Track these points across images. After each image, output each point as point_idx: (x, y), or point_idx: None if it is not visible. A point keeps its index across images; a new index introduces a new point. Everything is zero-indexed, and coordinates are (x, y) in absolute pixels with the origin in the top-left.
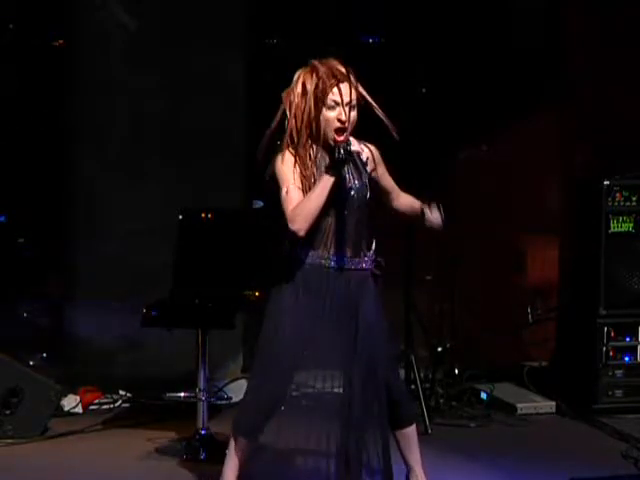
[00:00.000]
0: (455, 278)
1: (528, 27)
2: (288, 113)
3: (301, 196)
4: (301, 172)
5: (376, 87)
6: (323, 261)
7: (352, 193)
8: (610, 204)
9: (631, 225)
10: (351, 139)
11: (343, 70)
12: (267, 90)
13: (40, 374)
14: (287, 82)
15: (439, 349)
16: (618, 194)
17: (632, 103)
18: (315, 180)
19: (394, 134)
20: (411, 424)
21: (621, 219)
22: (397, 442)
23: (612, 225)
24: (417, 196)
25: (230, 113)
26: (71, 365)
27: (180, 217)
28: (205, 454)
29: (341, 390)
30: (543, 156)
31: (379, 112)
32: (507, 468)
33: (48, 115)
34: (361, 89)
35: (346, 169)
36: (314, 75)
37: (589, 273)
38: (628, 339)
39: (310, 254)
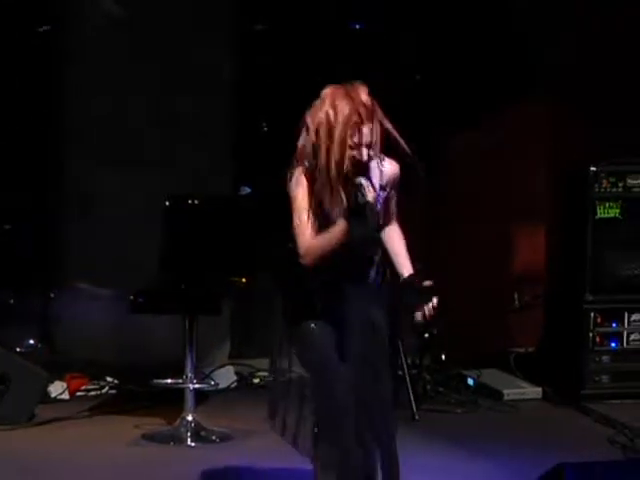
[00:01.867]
0: (442, 265)
1: (519, 12)
2: (315, 136)
3: (312, 226)
4: (309, 194)
5: (369, 74)
6: (338, 278)
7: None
8: (597, 190)
9: (617, 211)
10: (363, 182)
11: (368, 105)
12: (255, 76)
13: (27, 361)
14: (275, 68)
15: (426, 335)
16: (605, 180)
17: (621, 89)
18: (330, 211)
19: (420, 171)
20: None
21: (607, 205)
22: None
23: (599, 211)
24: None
25: (218, 99)
26: (58, 352)
27: (166, 203)
28: (192, 440)
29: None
30: (531, 142)
31: (405, 147)
32: (494, 454)
33: (34, 104)
34: (387, 124)
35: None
36: (340, 111)
37: (576, 259)
38: (614, 325)
39: (324, 272)
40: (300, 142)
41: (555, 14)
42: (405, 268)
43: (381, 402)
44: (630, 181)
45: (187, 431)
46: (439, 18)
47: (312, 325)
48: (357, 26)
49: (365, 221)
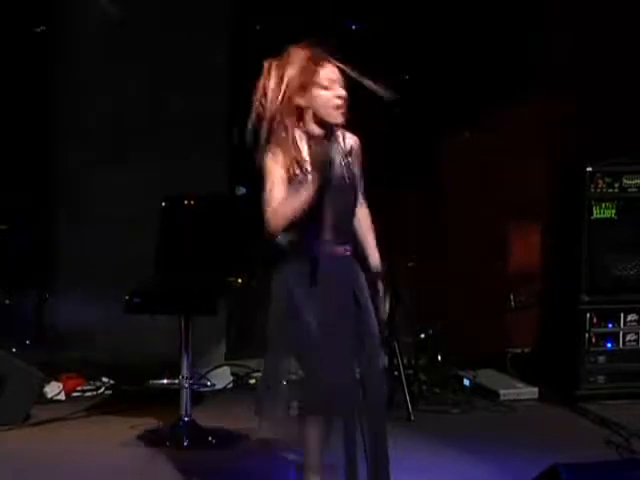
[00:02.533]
0: (437, 265)
1: (512, 10)
2: (264, 104)
3: (284, 193)
4: (284, 163)
5: (365, 73)
6: (323, 248)
7: (341, 181)
8: (593, 190)
9: (613, 211)
10: (337, 136)
11: (323, 52)
12: (251, 75)
13: (23, 361)
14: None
15: (422, 336)
16: (601, 180)
17: (617, 88)
18: (299, 167)
19: (387, 93)
20: None
21: (604, 205)
22: None
23: (594, 211)
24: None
25: (214, 98)
26: (54, 352)
27: (163, 204)
28: (188, 441)
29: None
30: (527, 142)
31: (365, 81)
32: (490, 454)
33: (30, 102)
34: (345, 67)
35: (340, 160)
36: (295, 61)
37: (571, 259)
38: (610, 325)
39: (310, 243)
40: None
41: (552, 13)
42: (371, 258)
43: (375, 387)
44: (626, 181)
45: (183, 432)
46: (429, 17)
47: (301, 306)
48: (353, 26)
49: (331, 175)
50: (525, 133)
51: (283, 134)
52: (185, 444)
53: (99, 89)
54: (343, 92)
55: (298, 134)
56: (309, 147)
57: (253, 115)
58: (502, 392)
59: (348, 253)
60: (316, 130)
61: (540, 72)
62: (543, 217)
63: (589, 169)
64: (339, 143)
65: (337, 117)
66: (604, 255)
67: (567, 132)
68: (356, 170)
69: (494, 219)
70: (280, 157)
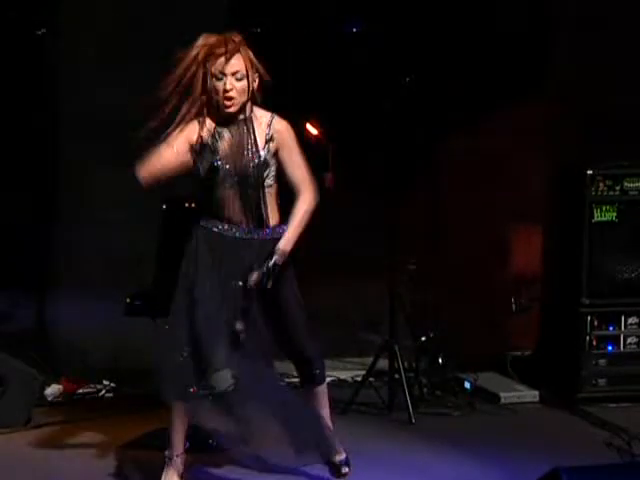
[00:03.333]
0: (438, 268)
1: (512, 12)
2: (181, 79)
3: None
4: (187, 136)
5: (360, 75)
6: (221, 230)
7: (245, 169)
8: (593, 193)
9: (614, 214)
10: (254, 110)
11: (233, 41)
12: None
13: (23, 364)
14: (270, 71)
15: (423, 338)
16: (601, 183)
17: (618, 90)
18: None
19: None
20: (321, 383)
21: (604, 208)
22: (307, 400)
23: (595, 214)
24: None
25: None
26: (54, 355)
27: (163, 206)
28: (188, 443)
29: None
30: (527, 144)
31: (263, 79)
32: (491, 457)
33: (31, 104)
34: (251, 58)
35: (244, 145)
36: (204, 48)
37: (572, 262)
38: (611, 328)
39: (211, 222)
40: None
41: (553, 16)
42: (281, 240)
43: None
44: (627, 184)
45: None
46: (430, 19)
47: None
48: (354, 29)
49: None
50: (526, 136)
51: (190, 115)
52: (185, 446)
53: (100, 91)
54: (229, 85)
55: (203, 118)
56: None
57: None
58: (503, 395)
59: (237, 234)
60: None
61: (541, 74)
62: (544, 220)
63: (590, 172)
64: (242, 129)
65: (225, 108)
66: (605, 258)
67: (568, 135)
68: (283, 158)
69: (495, 222)
70: (185, 134)
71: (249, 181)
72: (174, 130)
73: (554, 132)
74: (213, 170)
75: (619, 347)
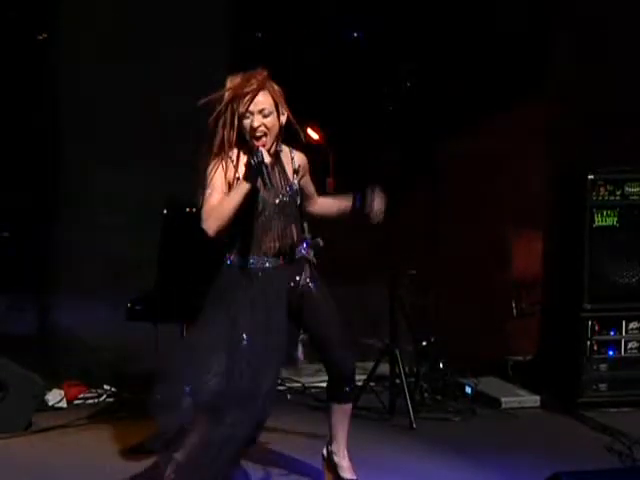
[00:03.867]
0: (439, 272)
1: (512, 13)
2: (215, 124)
3: (220, 199)
4: (227, 177)
5: (360, 82)
6: (256, 264)
7: (282, 198)
8: (594, 198)
9: (615, 219)
10: (262, 150)
11: (257, 79)
12: None
13: (24, 369)
14: (273, 75)
15: (424, 343)
16: (602, 188)
17: (619, 94)
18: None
19: (303, 139)
20: (349, 402)
21: (605, 213)
22: (330, 415)
23: (596, 219)
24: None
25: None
26: (55, 359)
27: (165, 211)
28: None
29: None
30: (528, 149)
31: (291, 120)
32: (491, 462)
33: (31, 109)
34: (275, 96)
35: (277, 176)
36: (231, 89)
37: (573, 267)
38: (612, 333)
39: (245, 258)
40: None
41: (555, 19)
42: (345, 200)
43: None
44: (628, 189)
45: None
46: (430, 25)
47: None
48: (350, 34)
49: (261, 179)
50: (526, 140)
51: (228, 152)
52: None
53: (100, 95)
54: (257, 122)
55: (239, 153)
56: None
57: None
58: (504, 400)
59: (282, 264)
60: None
61: (542, 78)
62: (544, 224)
63: (591, 177)
64: (270, 163)
65: (257, 143)
66: (606, 263)
67: (568, 136)
68: (304, 183)
69: (496, 227)
70: (222, 170)
71: (287, 210)
72: (211, 173)
73: (555, 134)
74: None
75: (620, 352)
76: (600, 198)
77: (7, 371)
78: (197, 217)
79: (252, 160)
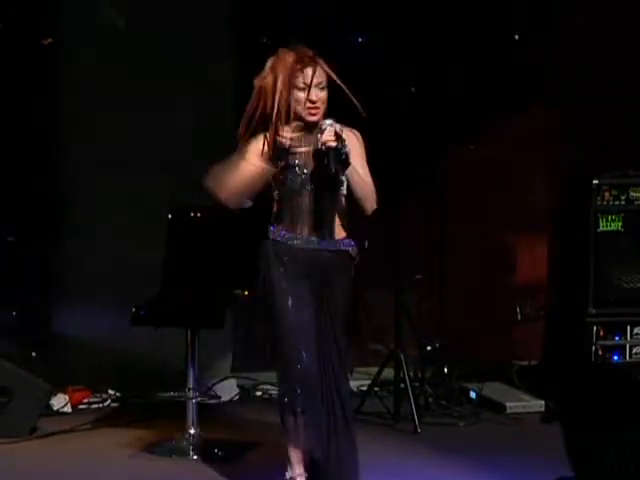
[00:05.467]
0: (444, 277)
1: (517, 21)
2: (258, 98)
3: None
4: (263, 154)
5: (365, 86)
6: (297, 242)
7: (325, 179)
8: (599, 203)
9: (620, 224)
10: (328, 126)
11: (310, 54)
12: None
13: (29, 373)
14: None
15: (428, 348)
16: (607, 193)
17: (623, 99)
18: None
19: (363, 113)
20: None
21: (610, 218)
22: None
23: (601, 224)
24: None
25: (219, 110)
26: (60, 364)
27: (169, 216)
28: (194, 454)
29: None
30: (532, 154)
31: (347, 92)
32: (496, 467)
33: (35, 115)
34: (329, 71)
35: (331, 158)
36: (283, 61)
37: (578, 272)
38: (617, 338)
39: (282, 234)
40: (249, 106)
41: (556, 24)
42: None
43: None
44: (632, 194)
45: (189, 444)
46: (440, 30)
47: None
48: (359, 39)
49: (328, 163)
50: (531, 145)
51: (269, 128)
52: (191, 456)
53: (102, 101)
54: (314, 96)
55: (285, 129)
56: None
57: (249, 110)
58: (508, 405)
59: (323, 248)
60: (299, 125)
61: (546, 83)
62: (549, 229)
63: (595, 182)
64: (317, 139)
65: (309, 117)
66: (610, 268)
67: (573, 144)
68: (354, 162)
69: (500, 231)
70: (260, 145)
71: (317, 190)
72: (246, 145)
73: (559, 142)
74: (293, 176)
75: (625, 357)
76: (605, 203)
77: (12, 376)
78: (202, 222)
79: (280, 145)
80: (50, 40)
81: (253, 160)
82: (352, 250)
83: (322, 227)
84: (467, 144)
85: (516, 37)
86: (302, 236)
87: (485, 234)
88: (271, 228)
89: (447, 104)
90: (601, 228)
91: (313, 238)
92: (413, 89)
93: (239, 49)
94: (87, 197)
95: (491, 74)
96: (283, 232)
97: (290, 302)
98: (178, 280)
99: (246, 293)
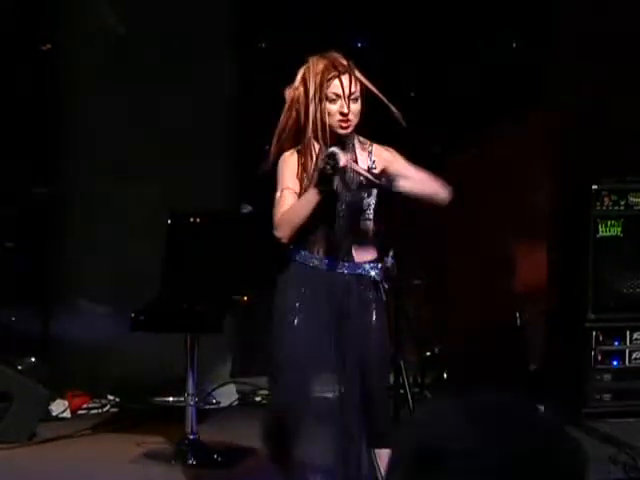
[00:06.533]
0: (443, 282)
1: (516, 25)
2: (289, 111)
3: (293, 201)
4: (299, 173)
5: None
6: (315, 262)
7: (346, 200)
8: (598, 208)
9: (619, 229)
10: (336, 151)
11: (344, 62)
12: (256, 93)
13: (28, 379)
14: (276, 85)
15: (428, 354)
16: (606, 198)
17: (623, 104)
18: (308, 176)
19: (402, 122)
20: (388, 446)
21: (609, 223)
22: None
23: (600, 229)
24: None
25: (218, 115)
26: (59, 370)
27: (169, 221)
28: (193, 459)
29: (332, 394)
30: (531, 159)
31: (385, 101)
32: None
33: (35, 118)
34: (364, 80)
35: (345, 178)
36: (314, 70)
37: (577, 277)
38: (617, 343)
39: (302, 254)
40: (281, 119)
41: (556, 28)
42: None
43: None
44: (632, 199)
45: (189, 450)
46: (440, 34)
47: (289, 316)
48: (359, 44)
49: (334, 186)
50: (530, 150)
51: (304, 147)
52: (190, 462)
53: (102, 105)
54: (346, 109)
55: (314, 143)
56: (317, 157)
57: (281, 123)
58: None
59: (340, 270)
60: (328, 141)
61: (545, 88)
62: (549, 235)
63: (595, 187)
64: (348, 154)
65: (340, 130)
66: (610, 273)
67: (572, 149)
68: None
69: (500, 237)
70: (293, 164)
71: (347, 209)
72: (282, 168)
73: (559, 147)
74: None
75: (624, 362)
76: (604, 208)
77: (11, 381)
78: (201, 227)
79: (325, 165)
80: (49, 46)
81: (292, 185)
82: (377, 274)
83: (340, 250)
84: (467, 147)
85: (516, 38)
86: (320, 257)
87: (485, 239)
88: (292, 247)
89: (447, 108)
90: (600, 233)
91: (330, 260)
92: (413, 93)
93: (239, 49)
94: (87, 202)
95: (491, 76)
96: (303, 252)
97: (296, 321)
98: (177, 285)
99: (245, 298)
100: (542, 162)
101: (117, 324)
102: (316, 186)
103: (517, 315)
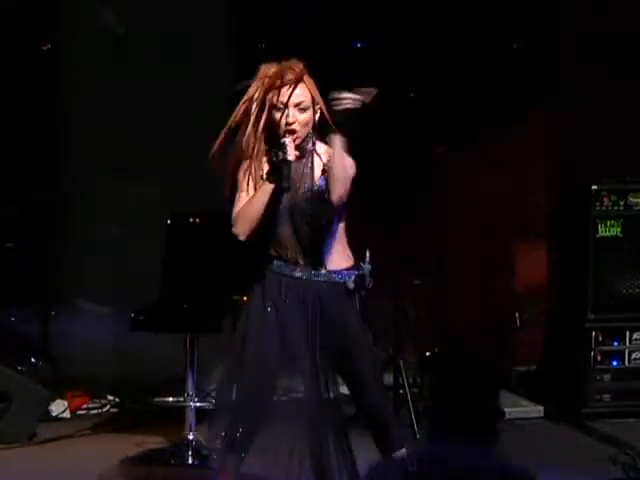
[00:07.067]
0: (443, 283)
1: (515, 26)
2: (239, 119)
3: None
4: (255, 178)
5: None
6: (289, 270)
7: (297, 201)
8: (598, 208)
9: (619, 229)
10: (287, 142)
11: (294, 70)
12: None
13: (28, 379)
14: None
15: (427, 354)
16: (606, 198)
17: (623, 104)
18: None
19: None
20: (401, 448)
21: (609, 223)
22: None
23: (600, 229)
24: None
25: (218, 115)
26: (59, 370)
27: (168, 221)
28: (193, 459)
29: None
30: (531, 160)
31: (326, 115)
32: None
33: (35, 118)
34: (314, 91)
35: (299, 175)
36: (263, 79)
37: (577, 277)
38: (616, 343)
39: (276, 264)
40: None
41: (555, 29)
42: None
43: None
44: (631, 199)
45: (188, 449)
46: (439, 35)
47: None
48: (358, 44)
49: (287, 179)
50: (529, 151)
51: (252, 150)
52: (190, 462)
53: (103, 107)
54: (292, 117)
55: (265, 149)
56: (269, 160)
57: (225, 129)
58: (508, 410)
59: (316, 279)
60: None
61: (544, 89)
62: (548, 235)
63: (594, 187)
64: (295, 160)
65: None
66: (609, 273)
67: (572, 149)
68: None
69: (499, 237)
70: (249, 169)
71: (303, 216)
72: (240, 174)
73: (558, 147)
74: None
75: (624, 362)
76: (604, 208)
77: (11, 382)
78: (201, 227)
79: (274, 156)
80: (49, 46)
81: (251, 189)
82: (349, 282)
83: (309, 256)
84: (466, 148)
85: (516, 38)
86: (293, 267)
87: (484, 239)
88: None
89: (446, 108)
90: (600, 233)
91: (300, 266)
92: (412, 94)
93: (239, 49)
94: (87, 202)
95: (491, 76)
96: (276, 261)
97: (256, 331)
98: (177, 285)
99: (245, 298)
100: (542, 162)
101: (117, 324)
102: (267, 175)
103: (517, 315)
